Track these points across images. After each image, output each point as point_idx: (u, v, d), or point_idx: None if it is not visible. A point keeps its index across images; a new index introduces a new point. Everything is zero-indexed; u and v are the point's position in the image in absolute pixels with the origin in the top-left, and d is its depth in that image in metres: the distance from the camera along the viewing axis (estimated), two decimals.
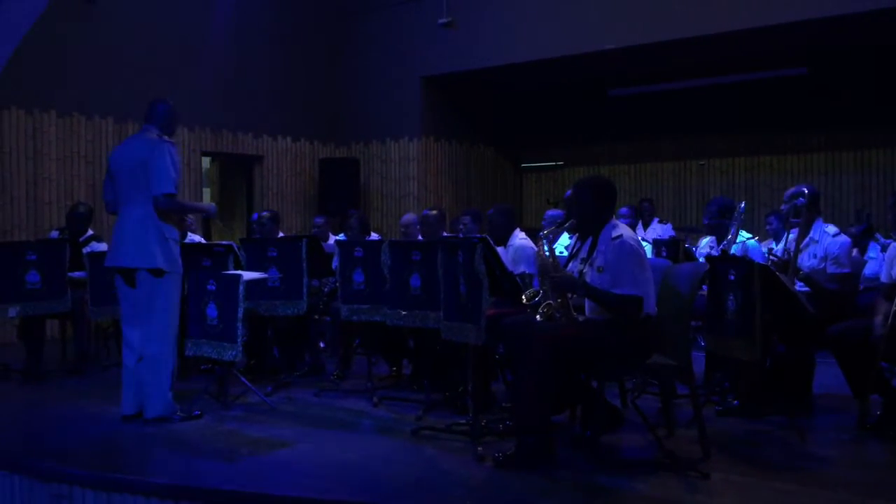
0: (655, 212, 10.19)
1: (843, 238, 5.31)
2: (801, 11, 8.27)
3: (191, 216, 7.58)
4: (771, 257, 5.30)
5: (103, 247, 6.68)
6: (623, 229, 4.29)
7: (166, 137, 5.12)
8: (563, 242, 6.75)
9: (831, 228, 5.33)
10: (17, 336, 7.31)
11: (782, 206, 5.39)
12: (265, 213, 7.42)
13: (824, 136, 10.50)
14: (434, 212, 6.61)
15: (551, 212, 7.39)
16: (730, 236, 5.21)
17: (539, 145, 12.53)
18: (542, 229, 4.98)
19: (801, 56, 9.62)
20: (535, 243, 5.09)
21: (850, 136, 10.33)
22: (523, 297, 4.60)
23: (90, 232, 7.30)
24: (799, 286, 5.20)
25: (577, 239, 4.65)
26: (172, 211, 5.08)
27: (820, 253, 5.24)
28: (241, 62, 10.59)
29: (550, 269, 4.37)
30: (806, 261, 5.29)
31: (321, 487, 3.83)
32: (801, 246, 5.18)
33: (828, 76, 9.93)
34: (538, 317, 4.35)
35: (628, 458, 4.32)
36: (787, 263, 5.04)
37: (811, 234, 5.29)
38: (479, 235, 4.94)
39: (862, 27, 8.50)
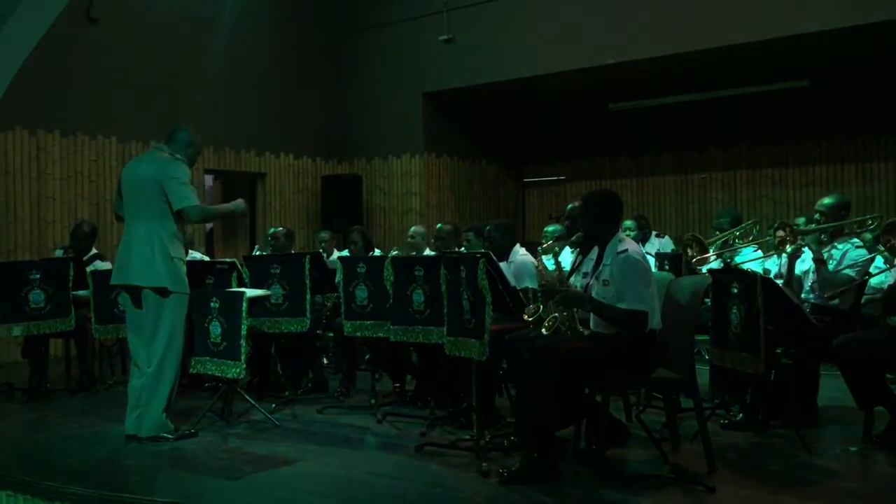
0: (651, 226, 10.15)
1: (865, 251, 5.31)
2: (801, 25, 8.30)
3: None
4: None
5: (107, 265, 6.68)
6: (629, 244, 4.29)
7: (178, 156, 5.16)
8: (566, 256, 6.75)
9: (855, 240, 5.33)
10: (21, 355, 7.31)
11: (815, 216, 5.37)
12: (280, 230, 7.47)
13: (826, 148, 10.51)
14: (448, 226, 6.66)
15: (549, 227, 7.42)
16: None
17: (541, 160, 12.54)
18: (543, 244, 5.00)
19: (802, 69, 9.64)
20: (535, 258, 5.10)
21: (852, 148, 10.32)
22: (525, 314, 4.61)
23: (94, 251, 7.30)
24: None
25: (580, 252, 4.66)
26: (204, 219, 5.09)
27: (836, 257, 5.21)
28: (243, 80, 10.62)
29: (556, 283, 4.37)
30: None
31: None
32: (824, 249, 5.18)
33: (828, 88, 9.94)
34: (543, 331, 4.35)
35: (633, 472, 4.30)
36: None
37: (834, 242, 5.28)
38: (481, 251, 4.95)
39: (861, 39, 8.52)
